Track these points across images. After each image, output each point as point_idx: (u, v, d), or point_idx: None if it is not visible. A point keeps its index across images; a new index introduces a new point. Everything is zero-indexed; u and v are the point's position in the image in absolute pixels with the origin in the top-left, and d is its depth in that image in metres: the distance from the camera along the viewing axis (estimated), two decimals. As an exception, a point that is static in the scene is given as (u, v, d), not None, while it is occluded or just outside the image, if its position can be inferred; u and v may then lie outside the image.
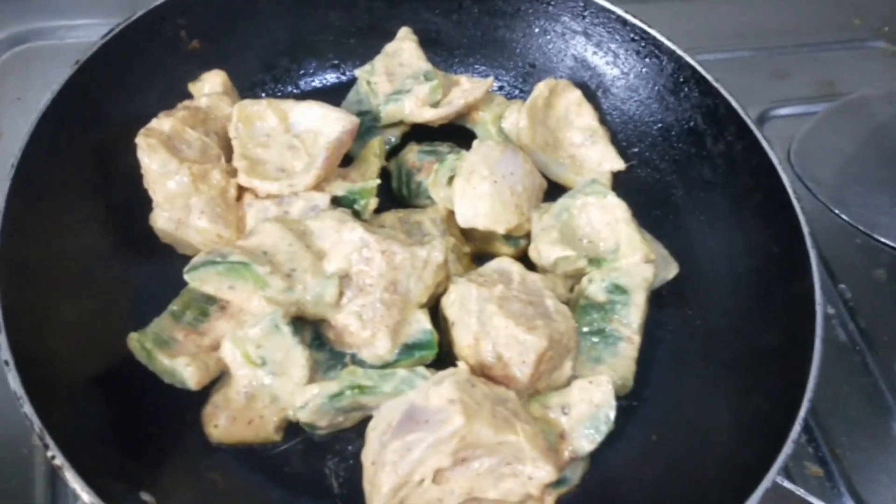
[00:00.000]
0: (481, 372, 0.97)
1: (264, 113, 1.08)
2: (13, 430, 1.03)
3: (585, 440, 0.96)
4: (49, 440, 0.79)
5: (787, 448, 0.89)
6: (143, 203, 1.05)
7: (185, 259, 1.02)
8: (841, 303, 1.28)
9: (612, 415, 0.96)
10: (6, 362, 0.83)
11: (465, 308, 0.99)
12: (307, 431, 0.97)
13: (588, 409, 0.96)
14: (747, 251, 1.12)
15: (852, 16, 1.72)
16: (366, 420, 0.95)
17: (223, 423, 0.95)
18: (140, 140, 1.02)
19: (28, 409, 0.81)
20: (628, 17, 1.22)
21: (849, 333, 1.27)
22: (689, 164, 1.21)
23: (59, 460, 0.79)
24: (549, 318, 0.99)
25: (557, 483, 0.96)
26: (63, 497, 1.01)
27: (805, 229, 1.03)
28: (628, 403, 1.05)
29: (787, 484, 0.97)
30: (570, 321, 1.01)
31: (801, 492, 0.97)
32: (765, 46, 1.61)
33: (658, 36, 1.21)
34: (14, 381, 0.82)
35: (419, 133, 1.20)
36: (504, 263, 1.06)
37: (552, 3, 1.25)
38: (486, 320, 0.97)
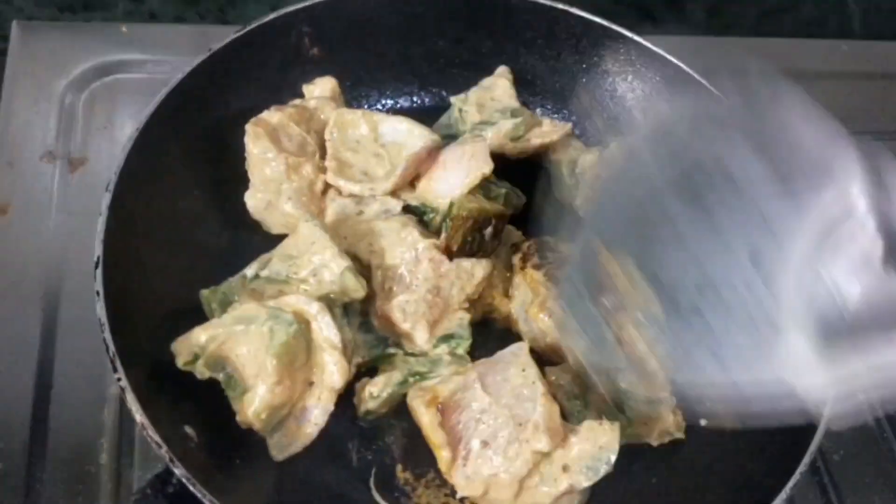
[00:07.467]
0: None
1: (358, 122, 1.19)
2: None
3: (583, 476, 1.00)
4: (118, 364, 0.92)
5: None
6: (242, 182, 1.17)
7: (267, 234, 1.16)
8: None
9: (614, 458, 1.00)
10: (97, 293, 0.95)
11: None
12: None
13: (591, 448, 1.01)
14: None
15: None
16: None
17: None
18: (249, 127, 1.15)
19: (108, 335, 0.93)
20: (712, 89, 1.24)
21: (877, 420, 1.30)
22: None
23: (123, 383, 0.91)
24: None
25: None
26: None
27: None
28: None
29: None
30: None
31: None
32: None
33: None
34: (101, 311, 0.95)
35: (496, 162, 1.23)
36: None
37: (640, 67, 1.32)
38: None
